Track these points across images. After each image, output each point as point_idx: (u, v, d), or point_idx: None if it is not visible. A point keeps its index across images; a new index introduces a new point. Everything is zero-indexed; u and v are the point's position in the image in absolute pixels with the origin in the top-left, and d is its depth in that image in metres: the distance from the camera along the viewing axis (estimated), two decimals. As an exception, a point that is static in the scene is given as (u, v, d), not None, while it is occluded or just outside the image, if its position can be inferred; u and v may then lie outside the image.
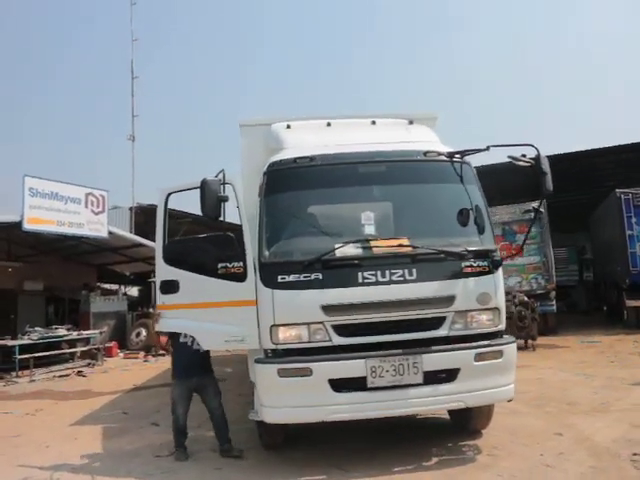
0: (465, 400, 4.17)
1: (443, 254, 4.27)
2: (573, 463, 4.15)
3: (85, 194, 12.11)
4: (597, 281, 19.23)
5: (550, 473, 3.99)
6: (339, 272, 4.22)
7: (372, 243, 4.34)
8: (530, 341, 11.09)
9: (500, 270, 4.41)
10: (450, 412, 5.19)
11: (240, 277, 4.35)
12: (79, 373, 10.98)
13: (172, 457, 4.92)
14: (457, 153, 4.64)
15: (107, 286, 21.27)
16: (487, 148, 4.61)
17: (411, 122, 5.62)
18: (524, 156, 4.41)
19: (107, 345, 13.35)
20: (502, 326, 4.37)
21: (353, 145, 4.79)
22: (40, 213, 11.01)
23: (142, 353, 13.62)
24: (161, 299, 4.65)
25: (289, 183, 4.64)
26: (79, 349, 12.29)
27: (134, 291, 25.19)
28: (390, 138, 5.01)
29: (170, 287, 4.54)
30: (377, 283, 4.15)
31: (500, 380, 4.25)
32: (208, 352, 4.95)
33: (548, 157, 4.47)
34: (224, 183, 4.54)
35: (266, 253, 4.33)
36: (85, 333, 12.41)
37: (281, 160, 4.64)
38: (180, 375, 5.01)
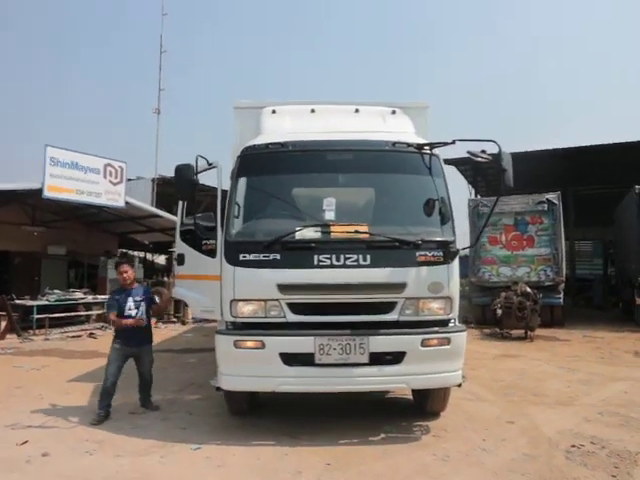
0: (409, 382, 4.39)
1: (397, 242, 4.43)
2: (509, 450, 4.32)
3: (104, 165, 12.61)
4: (616, 277, 18.79)
5: (483, 456, 4.18)
6: (296, 254, 4.44)
7: (330, 228, 4.53)
8: (529, 332, 11.11)
9: (456, 261, 4.54)
10: (413, 394, 5.43)
11: (213, 253, 4.67)
12: (91, 335, 11.64)
13: (145, 414, 5.36)
14: (425, 145, 4.75)
15: (135, 253, 22.23)
16: (453, 142, 4.72)
17: (394, 112, 5.72)
18: (484, 152, 4.48)
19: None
20: (453, 314, 4.53)
21: (327, 133, 4.95)
22: (60, 182, 11.58)
23: (154, 319, 14.22)
24: (176, 269, 5.61)
25: (259, 167, 4.87)
26: (94, 312, 13.01)
27: (162, 259, 26.24)
28: (365, 127, 5.15)
29: (180, 260, 5.24)
30: (332, 266, 4.36)
31: (446, 366, 4.43)
32: (149, 325, 5.66)
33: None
34: (209, 167, 4.93)
35: (232, 232, 4.61)
36: (100, 297, 13.07)
37: (254, 145, 4.86)
38: (121, 341, 5.48)
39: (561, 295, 13.03)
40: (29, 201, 13.14)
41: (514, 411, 5.47)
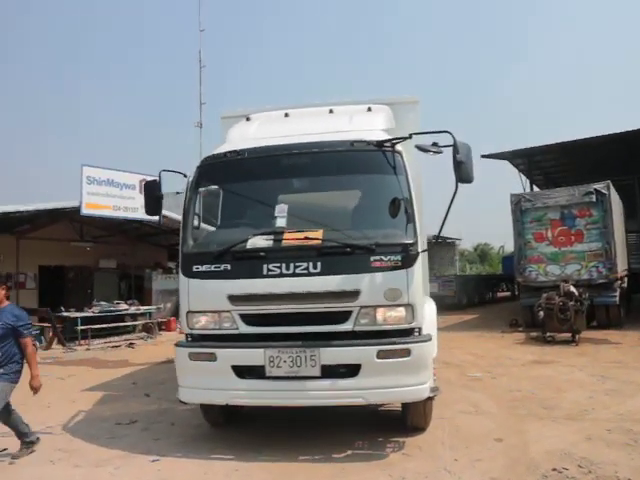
0: (366, 397, 4.10)
1: (349, 248, 4.17)
2: (477, 472, 3.89)
3: (139, 180, 13.15)
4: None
5: (444, 479, 3.81)
6: (246, 264, 4.32)
7: (281, 236, 4.36)
8: (575, 335, 10.20)
9: (417, 265, 4.18)
10: (402, 407, 5.10)
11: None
12: (130, 345, 12.18)
13: (129, 425, 5.45)
14: (384, 142, 4.44)
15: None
16: (410, 136, 4.40)
17: (369, 109, 5.45)
18: (435, 145, 4.12)
19: (165, 320, 14.57)
20: (416, 323, 4.18)
21: (288, 137, 4.78)
22: (96, 199, 12.26)
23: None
24: None
25: (217, 177, 4.83)
26: (138, 322, 13.60)
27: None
28: (330, 128, 4.91)
29: None
30: (281, 275, 4.19)
31: (407, 379, 4.10)
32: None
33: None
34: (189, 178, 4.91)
35: (188, 244, 4.59)
36: (143, 308, 13.66)
37: (213, 155, 4.81)
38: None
39: (616, 293, 11.88)
40: (77, 218, 14.00)
41: (511, 426, 4.98)
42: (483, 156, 17.91)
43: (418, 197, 4.73)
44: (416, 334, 4.21)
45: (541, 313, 10.56)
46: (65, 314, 12.04)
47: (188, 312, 4.46)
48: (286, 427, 5.08)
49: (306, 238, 4.23)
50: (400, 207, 4.25)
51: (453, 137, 4.07)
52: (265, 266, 4.22)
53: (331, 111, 5.52)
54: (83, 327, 11.86)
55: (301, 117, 5.52)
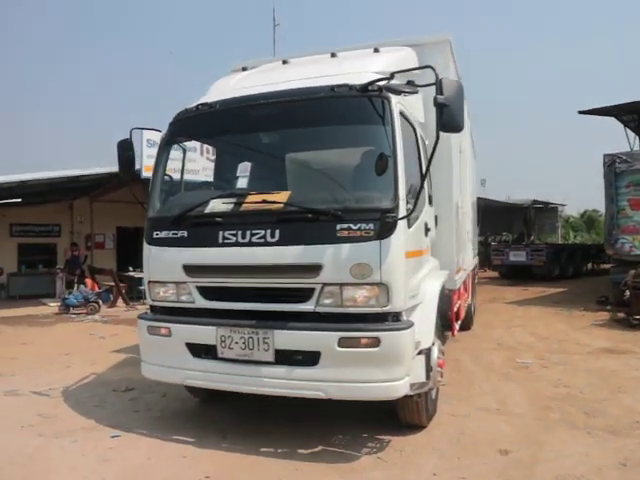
0: (326, 390, 3.45)
1: (312, 213, 3.47)
2: (452, 492, 3.14)
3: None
4: None
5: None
6: (202, 230, 3.82)
7: (242, 199, 3.78)
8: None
9: (396, 235, 3.38)
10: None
11: None
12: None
13: (124, 392, 5.34)
14: (369, 84, 3.58)
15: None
16: (392, 76, 3.51)
17: (376, 50, 4.57)
18: (411, 83, 3.21)
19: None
20: (391, 307, 3.41)
21: (268, 85, 4.10)
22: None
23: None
24: None
25: (188, 133, 4.36)
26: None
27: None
28: (317, 73, 4.13)
29: None
30: (236, 244, 3.64)
31: (375, 374, 3.39)
32: None
33: None
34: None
35: (152, 207, 4.19)
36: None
37: (186, 109, 4.30)
38: None
39: None
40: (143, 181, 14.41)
41: (529, 435, 4.06)
42: (581, 112, 15.54)
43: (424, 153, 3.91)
44: (391, 320, 3.45)
45: (627, 292, 8.95)
46: (130, 274, 12.55)
47: (149, 282, 4.12)
48: (274, 408, 4.60)
49: (264, 201, 3.60)
50: (381, 164, 3.44)
51: (435, 73, 3.18)
52: (221, 233, 3.69)
53: (333, 55, 4.72)
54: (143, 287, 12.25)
55: (298, 65, 4.79)
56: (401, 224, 3.41)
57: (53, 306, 12.16)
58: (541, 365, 6.38)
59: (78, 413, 4.72)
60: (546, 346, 7.56)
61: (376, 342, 3.34)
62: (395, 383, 3.40)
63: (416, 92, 3.44)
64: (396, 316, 3.47)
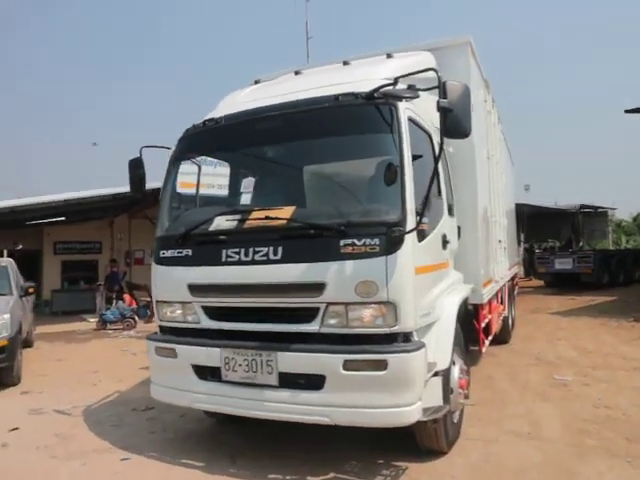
0: (331, 416, 3.26)
1: (315, 229, 3.31)
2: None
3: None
4: None
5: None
6: (206, 249, 3.73)
7: (245, 215, 3.68)
8: None
9: (403, 250, 3.17)
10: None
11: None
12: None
13: (143, 412, 5.30)
14: (374, 91, 3.40)
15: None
16: (395, 81, 3.32)
17: (389, 55, 4.41)
18: (411, 88, 3.01)
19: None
20: (400, 327, 3.19)
21: (275, 97, 4.00)
22: (190, 178, 12.55)
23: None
24: None
25: (195, 149, 4.33)
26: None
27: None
28: (322, 82, 3.99)
29: None
30: (240, 262, 3.52)
31: (383, 399, 3.17)
32: None
33: None
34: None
35: (160, 226, 4.16)
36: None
37: (194, 125, 4.26)
38: None
39: None
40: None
41: (560, 464, 3.70)
42: (628, 111, 14.69)
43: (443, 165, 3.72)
44: (400, 341, 3.23)
45: (682, 302, 8.27)
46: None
47: (157, 302, 4.07)
48: (290, 431, 4.41)
49: (267, 218, 3.48)
50: (388, 175, 3.27)
51: (438, 76, 2.97)
52: (224, 252, 3.59)
53: (346, 63, 4.59)
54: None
55: (309, 75, 4.67)
56: (409, 238, 3.20)
57: (92, 322, 12.49)
58: (582, 382, 5.92)
59: (94, 433, 4.71)
60: (589, 361, 7.04)
61: (383, 365, 3.13)
62: (405, 409, 3.17)
63: (417, 97, 3.24)
64: (406, 337, 3.24)
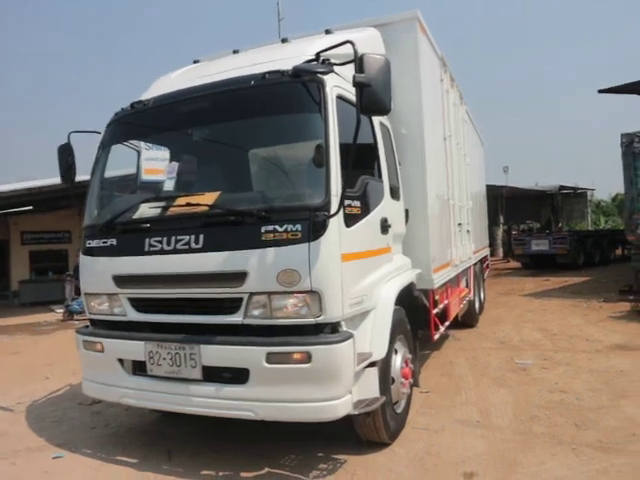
0: (256, 410, 3.11)
1: (235, 215, 3.12)
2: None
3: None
4: None
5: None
6: (130, 238, 3.53)
7: (169, 202, 3.47)
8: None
9: (327, 235, 3.00)
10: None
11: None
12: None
13: (89, 406, 5.13)
14: (301, 71, 3.18)
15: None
16: (317, 56, 3.12)
17: (328, 31, 4.18)
18: (318, 59, 2.82)
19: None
20: (326, 317, 3.03)
21: (205, 77, 3.77)
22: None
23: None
24: None
25: (123, 134, 4.07)
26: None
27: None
28: (257, 60, 3.76)
29: None
30: (162, 252, 3.33)
31: (309, 392, 3.02)
32: None
33: None
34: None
35: (88, 214, 3.94)
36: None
37: (122, 109, 4.01)
38: None
39: None
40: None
41: (504, 453, 3.60)
42: (601, 91, 14.59)
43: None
44: (327, 332, 3.08)
45: (647, 282, 8.26)
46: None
47: (85, 294, 3.87)
48: (229, 425, 4.26)
49: (188, 204, 3.28)
50: (315, 157, 3.08)
51: (354, 49, 2.77)
52: (147, 241, 3.39)
53: (284, 41, 4.36)
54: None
55: (246, 54, 4.44)
56: (334, 223, 3.02)
57: (60, 313, 12.22)
58: (541, 366, 5.85)
59: (33, 430, 4.53)
60: (553, 343, 7.00)
61: (307, 357, 2.97)
62: (332, 402, 3.03)
63: (331, 71, 3.04)
64: (333, 327, 3.09)
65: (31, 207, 14.81)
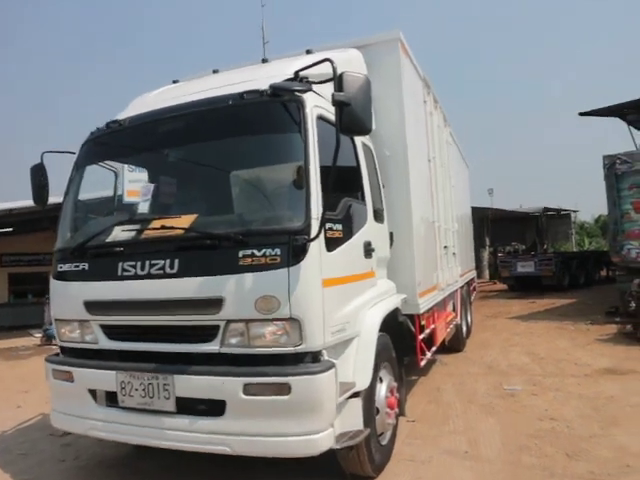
0: (232, 445, 2.93)
1: (211, 239, 3.00)
2: None
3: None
4: None
5: None
6: (103, 262, 3.38)
7: (144, 225, 3.35)
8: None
9: (307, 260, 2.88)
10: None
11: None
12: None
13: (60, 437, 4.87)
14: (278, 89, 3.10)
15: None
16: (296, 75, 3.07)
17: (309, 51, 4.16)
18: (303, 80, 2.75)
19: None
20: (306, 345, 2.89)
21: (182, 97, 3.68)
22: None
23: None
24: None
25: (97, 155, 3.93)
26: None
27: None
28: (237, 80, 3.69)
29: None
30: (135, 277, 3.18)
31: (288, 426, 2.86)
32: None
33: None
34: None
35: (61, 237, 3.79)
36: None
37: (97, 128, 3.90)
38: None
39: None
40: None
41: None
42: (582, 114, 14.87)
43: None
44: (308, 361, 2.94)
45: (633, 304, 8.25)
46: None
47: (55, 320, 3.69)
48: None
49: (162, 227, 3.15)
50: (293, 179, 2.99)
51: (333, 67, 2.71)
52: (120, 265, 3.24)
53: (264, 61, 4.33)
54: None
55: (225, 74, 4.39)
56: (314, 247, 2.91)
57: (38, 337, 11.86)
58: (530, 392, 5.73)
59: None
60: (541, 368, 6.89)
61: (286, 389, 2.82)
62: (313, 437, 2.86)
63: (309, 90, 2.98)
64: (314, 356, 2.95)
65: (11, 228, 14.51)
